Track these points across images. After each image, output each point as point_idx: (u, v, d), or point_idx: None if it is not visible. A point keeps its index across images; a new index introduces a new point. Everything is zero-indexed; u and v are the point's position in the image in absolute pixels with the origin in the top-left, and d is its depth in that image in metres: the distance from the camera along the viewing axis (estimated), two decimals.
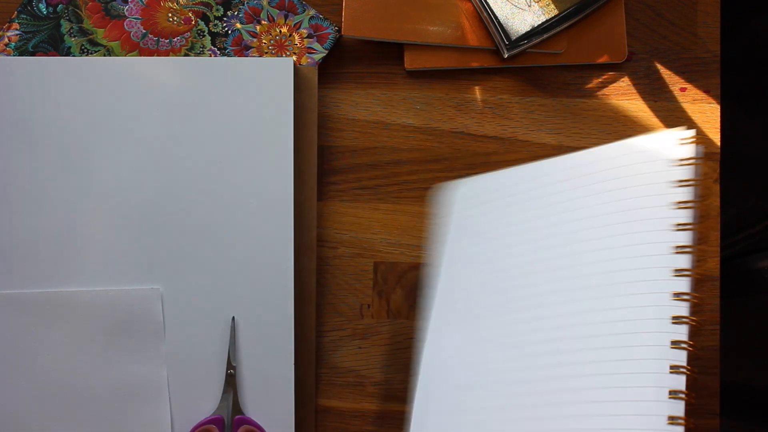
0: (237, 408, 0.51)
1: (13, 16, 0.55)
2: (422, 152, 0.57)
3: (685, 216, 0.44)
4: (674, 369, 0.41)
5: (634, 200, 0.46)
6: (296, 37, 0.56)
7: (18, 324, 0.51)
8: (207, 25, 0.56)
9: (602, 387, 0.43)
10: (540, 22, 0.54)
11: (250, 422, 0.51)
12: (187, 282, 0.52)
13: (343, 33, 0.55)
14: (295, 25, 0.56)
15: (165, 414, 0.51)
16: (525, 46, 0.55)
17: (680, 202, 0.44)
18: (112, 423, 0.51)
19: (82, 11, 0.55)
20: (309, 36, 0.56)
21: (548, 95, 0.57)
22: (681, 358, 0.41)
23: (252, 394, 0.52)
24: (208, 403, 0.52)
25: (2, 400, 0.51)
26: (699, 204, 0.44)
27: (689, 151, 0.45)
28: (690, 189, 0.44)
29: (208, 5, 0.56)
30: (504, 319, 0.48)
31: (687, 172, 0.45)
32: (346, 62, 0.58)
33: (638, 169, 0.46)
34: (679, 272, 0.43)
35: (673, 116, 0.57)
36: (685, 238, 0.43)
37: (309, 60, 0.55)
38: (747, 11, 0.76)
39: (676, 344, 0.41)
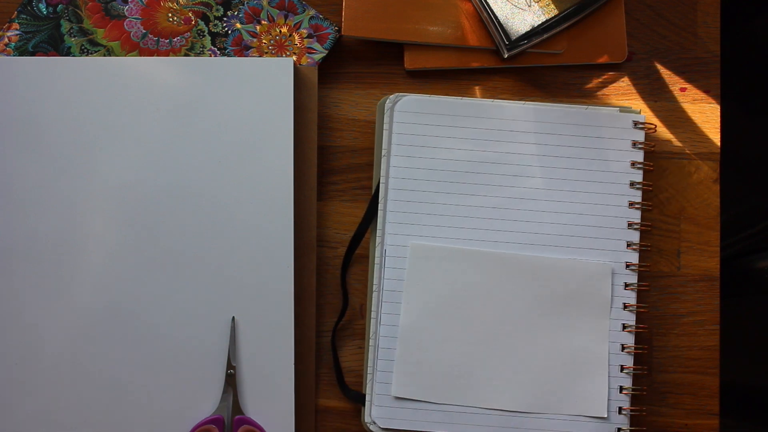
0: (237, 408, 0.51)
1: (13, 16, 0.55)
2: None
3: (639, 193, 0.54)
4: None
5: (597, 162, 0.54)
6: (296, 37, 0.56)
7: (466, 277, 0.53)
8: (207, 25, 0.56)
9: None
10: (540, 22, 0.54)
11: (250, 422, 0.51)
12: (187, 282, 0.52)
13: (343, 33, 0.55)
14: (295, 25, 0.56)
15: (603, 389, 0.52)
16: (525, 46, 0.55)
17: (634, 183, 0.54)
18: (550, 389, 0.52)
19: (82, 11, 0.56)
20: (309, 36, 0.56)
21: (548, 95, 0.57)
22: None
23: (252, 394, 0.52)
24: (208, 403, 0.52)
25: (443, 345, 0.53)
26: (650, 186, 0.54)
27: (643, 135, 0.54)
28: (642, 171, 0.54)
29: (208, 5, 0.56)
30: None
31: (641, 155, 0.54)
32: (346, 62, 0.58)
33: (602, 144, 0.54)
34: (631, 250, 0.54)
35: (673, 116, 0.57)
36: (637, 215, 0.54)
37: (309, 60, 0.55)
38: (747, 11, 0.76)
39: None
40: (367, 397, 0.52)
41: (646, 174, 0.54)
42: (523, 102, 0.55)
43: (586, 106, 0.54)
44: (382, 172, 0.54)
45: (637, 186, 0.54)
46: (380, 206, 0.54)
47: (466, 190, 0.54)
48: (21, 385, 0.52)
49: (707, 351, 0.55)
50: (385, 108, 0.54)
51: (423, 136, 0.54)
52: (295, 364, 0.52)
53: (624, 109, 0.55)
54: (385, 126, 0.54)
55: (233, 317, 0.52)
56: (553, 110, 0.54)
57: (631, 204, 0.54)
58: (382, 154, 0.54)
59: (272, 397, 0.52)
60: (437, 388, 0.52)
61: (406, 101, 0.54)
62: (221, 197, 0.53)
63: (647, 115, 0.57)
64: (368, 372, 0.53)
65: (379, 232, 0.54)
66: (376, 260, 0.53)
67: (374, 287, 0.53)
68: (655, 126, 0.55)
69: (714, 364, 0.55)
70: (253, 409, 0.52)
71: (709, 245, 0.56)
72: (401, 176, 0.54)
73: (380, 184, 0.54)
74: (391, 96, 0.54)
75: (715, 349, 0.55)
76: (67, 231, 0.52)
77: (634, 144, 0.54)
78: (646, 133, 0.54)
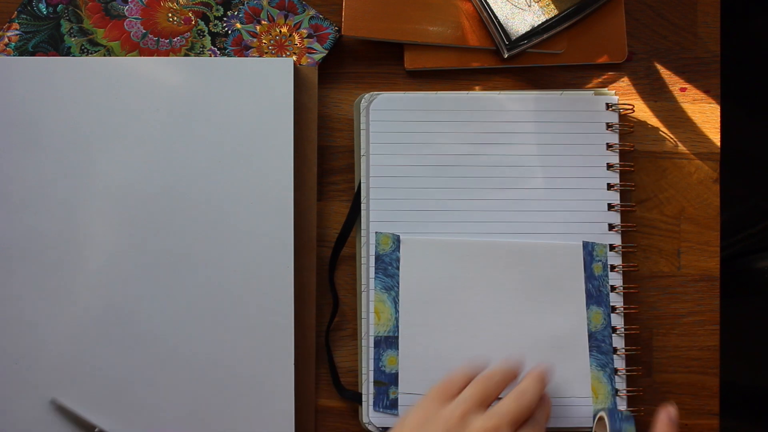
0: None
1: (13, 16, 0.55)
2: None
3: (616, 175, 0.54)
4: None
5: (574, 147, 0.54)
6: (296, 37, 0.56)
7: (455, 267, 0.53)
8: (207, 25, 0.56)
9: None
10: (540, 22, 0.54)
11: None
12: (186, 281, 0.52)
13: (343, 33, 0.55)
14: (295, 25, 0.56)
15: (585, 369, 0.52)
16: (525, 46, 0.55)
17: (611, 165, 0.54)
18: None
19: (82, 11, 0.56)
20: (309, 36, 0.56)
21: None
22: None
23: (252, 394, 0.52)
24: (208, 406, 0.52)
25: (434, 335, 0.53)
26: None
27: (616, 116, 0.55)
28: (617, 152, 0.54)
29: (208, 5, 0.56)
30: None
31: (616, 137, 0.54)
32: (346, 62, 0.58)
33: (578, 128, 0.55)
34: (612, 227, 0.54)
35: (673, 116, 0.57)
36: (615, 197, 0.54)
37: (309, 60, 0.55)
38: (747, 11, 0.76)
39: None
40: (364, 397, 0.52)
41: (624, 154, 0.54)
42: (498, 92, 0.55)
43: (560, 92, 0.55)
44: (362, 172, 0.54)
45: (615, 167, 0.54)
46: (363, 206, 0.54)
47: (447, 183, 0.54)
48: (21, 385, 0.52)
49: (707, 351, 0.55)
50: (361, 108, 0.54)
51: (400, 133, 0.54)
52: (295, 363, 0.52)
53: (598, 92, 0.55)
54: (362, 126, 0.54)
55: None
56: (528, 98, 0.55)
57: (610, 186, 0.54)
58: (361, 153, 0.54)
59: (272, 397, 0.52)
60: (434, 381, 0.52)
61: (381, 100, 0.54)
62: (221, 197, 0.53)
63: (647, 115, 0.57)
64: (363, 372, 0.53)
65: (363, 233, 0.54)
66: (362, 260, 0.53)
67: (362, 287, 0.53)
68: (633, 106, 0.55)
69: (714, 364, 0.55)
70: (253, 410, 0.52)
71: (709, 245, 0.56)
72: (383, 174, 0.54)
73: (361, 184, 0.54)
74: (365, 95, 0.54)
75: (715, 349, 0.55)
76: (66, 231, 0.52)
77: (609, 126, 0.54)
78: (622, 114, 0.55)
